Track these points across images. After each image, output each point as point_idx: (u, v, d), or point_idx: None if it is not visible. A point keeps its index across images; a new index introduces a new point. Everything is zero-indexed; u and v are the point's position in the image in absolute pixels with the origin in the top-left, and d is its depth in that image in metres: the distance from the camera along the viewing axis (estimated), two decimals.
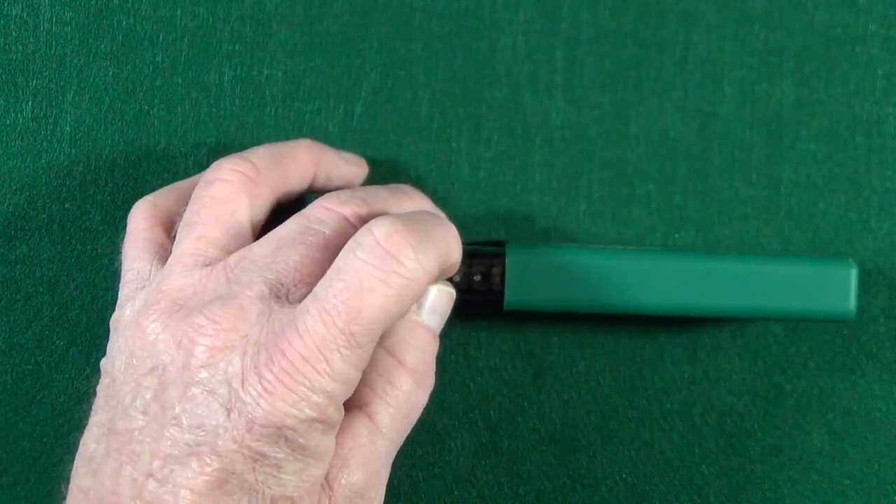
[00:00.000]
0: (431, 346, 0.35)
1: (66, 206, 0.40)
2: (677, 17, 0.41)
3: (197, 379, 0.30)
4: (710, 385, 0.41)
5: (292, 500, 0.31)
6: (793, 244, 0.41)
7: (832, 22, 0.41)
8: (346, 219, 0.33)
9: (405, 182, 0.41)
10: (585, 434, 0.41)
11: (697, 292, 0.37)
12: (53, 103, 0.40)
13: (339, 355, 0.30)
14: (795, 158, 0.41)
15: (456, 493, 0.41)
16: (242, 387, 0.30)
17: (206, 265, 0.33)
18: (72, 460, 0.33)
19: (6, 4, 0.40)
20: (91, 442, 0.32)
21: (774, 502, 0.41)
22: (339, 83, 0.41)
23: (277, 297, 0.31)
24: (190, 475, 0.30)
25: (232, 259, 0.32)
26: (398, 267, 0.31)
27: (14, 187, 0.40)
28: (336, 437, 0.32)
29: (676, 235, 0.41)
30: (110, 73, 0.40)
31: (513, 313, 0.39)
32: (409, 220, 0.32)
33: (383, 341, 0.34)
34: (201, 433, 0.30)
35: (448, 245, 0.33)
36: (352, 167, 0.39)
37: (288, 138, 0.41)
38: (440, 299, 0.35)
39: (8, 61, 0.40)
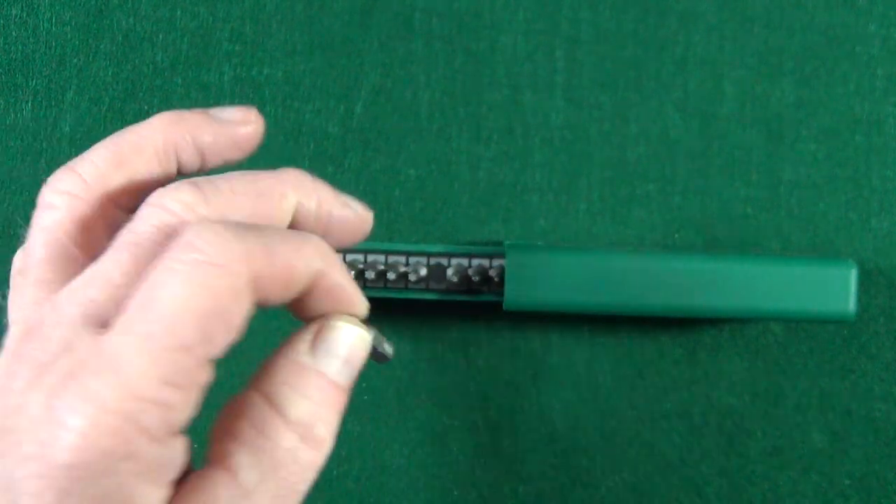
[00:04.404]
0: (329, 399, 0.27)
1: None
2: (677, 17, 0.41)
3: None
4: (710, 385, 0.41)
5: None
6: (793, 244, 0.41)
7: (832, 22, 0.41)
8: (170, 212, 0.27)
9: (405, 182, 0.41)
10: (585, 434, 0.41)
11: (697, 293, 0.37)
12: (53, 103, 0.40)
13: (135, 362, 0.24)
14: (795, 158, 0.41)
15: (456, 493, 0.41)
16: (31, 419, 0.24)
17: (39, 304, 0.28)
18: None
19: (6, 4, 0.40)
20: None
21: (774, 502, 0.41)
22: (339, 83, 0.41)
23: (86, 316, 0.26)
24: None
25: (61, 291, 0.27)
26: (194, 253, 0.25)
27: (14, 187, 0.40)
28: (184, 496, 0.26)
29: (676, 235, 0.41)
30: (110, 73, 0.40)
31: (513, 313, 0.39)
32: (235, 222, 0.27)
33: (260, 384, 0.27)
34: (2, 488, 0.25)
35: (288, 243, 0.27)
36: (229, 128, 0.31)
37: (288, 138, 0.41)
38: (344, 341, 0.28)
39: (8, 61, 0.40)
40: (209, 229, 0.25)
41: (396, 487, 0.41)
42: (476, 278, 0.38)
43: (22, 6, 0.40)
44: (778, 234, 0.41)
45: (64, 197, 0.29)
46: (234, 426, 0.27)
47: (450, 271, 0.38)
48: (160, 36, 0.40)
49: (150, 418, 0.24)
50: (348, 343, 0.28)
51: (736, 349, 0.41)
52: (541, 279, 0.37)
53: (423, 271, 0.38)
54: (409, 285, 0.38)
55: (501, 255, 0.38)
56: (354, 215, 0.30)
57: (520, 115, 0.41)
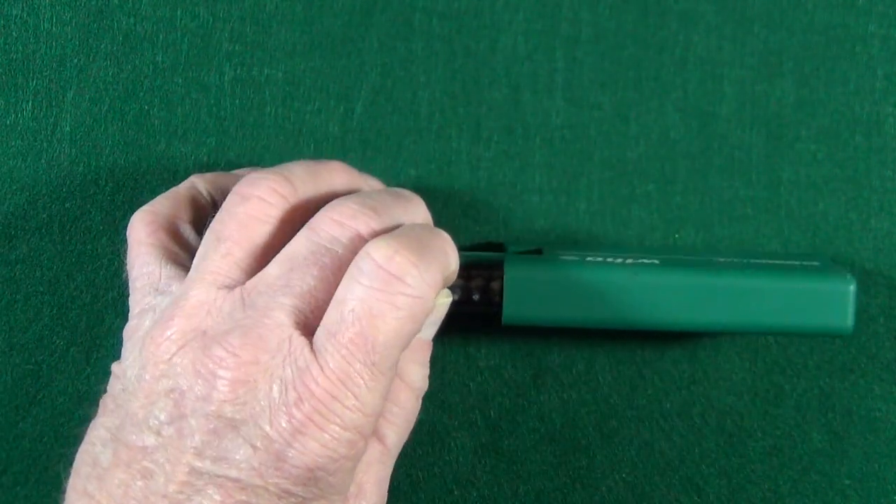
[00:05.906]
0: (428, 357, 0.35)
1: (66, 206, 0.41)
2: (677, 17, 0.41)
3: (220, 413, 0.30)
4: (710, 385, 0.41)
5: None
6: (793, 244, 0.41)
7: (832, 22, 0.41)
8: (358, 234, 0.32)
9: (405, 182, 0.41)
10: (585, 434, 0.41)
11: (696, 309, 0.37)
12: (53, 103, 0.40)
13: (365, 388, 0.30)
14: (795, 158, 0.41)
15: (456, 493, 0.41)
16: (270, 425, 0.30)
17: (226, 286, 0.32)
18: (72, 456, 0.33)
19: (6, 4, 0.40)
20: (97, 443, 0.32)
21: (774, 502, 0.41)
22: (339, 83, 0.41)
23: (296, 324, 0.31)
24: None
25: (250, 283, 0.32)
26: (404, 288, 0.30)
27: (14, 187, 0.40)
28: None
29: (676, 235, 0.41)
30: (110, 73, 0.40)
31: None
32: (407, 237, 0.31)
33: None
34: (225, 466, 0.30)
35: (446, 255, 0.33)
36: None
37: (288, 138, 0.41)
38: (442, 311, 0.35)
39: (8, 61, 0.40)
40: (407, 260, 0.30)
41: (396, 487, 0.41)
42: (475, 295, 0.37)
43: (22, 6, 0.40)
44: (778, 235, 0.41)
45: (278, 198, 0.33)
46: None
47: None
48: (160, 36, 0.40)
49: (370, 427, 0.31)
50: (443, 311, 0.35)
51: (736, 349, 0.41)
52: (539, 294, 0.37)
53: None
54: None
55: (500, 270, 0.37)
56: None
57: (520, 115, 0.41)
